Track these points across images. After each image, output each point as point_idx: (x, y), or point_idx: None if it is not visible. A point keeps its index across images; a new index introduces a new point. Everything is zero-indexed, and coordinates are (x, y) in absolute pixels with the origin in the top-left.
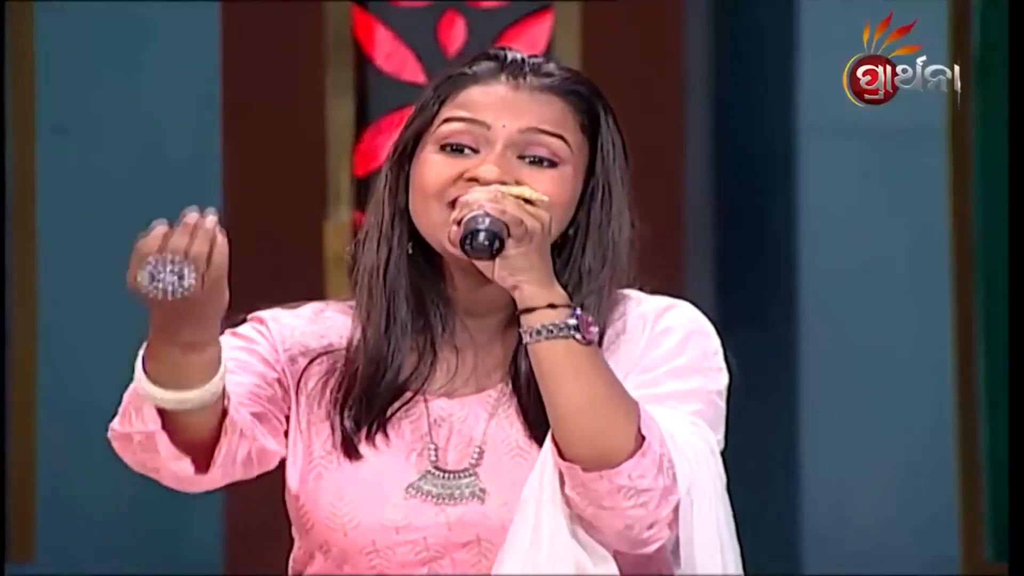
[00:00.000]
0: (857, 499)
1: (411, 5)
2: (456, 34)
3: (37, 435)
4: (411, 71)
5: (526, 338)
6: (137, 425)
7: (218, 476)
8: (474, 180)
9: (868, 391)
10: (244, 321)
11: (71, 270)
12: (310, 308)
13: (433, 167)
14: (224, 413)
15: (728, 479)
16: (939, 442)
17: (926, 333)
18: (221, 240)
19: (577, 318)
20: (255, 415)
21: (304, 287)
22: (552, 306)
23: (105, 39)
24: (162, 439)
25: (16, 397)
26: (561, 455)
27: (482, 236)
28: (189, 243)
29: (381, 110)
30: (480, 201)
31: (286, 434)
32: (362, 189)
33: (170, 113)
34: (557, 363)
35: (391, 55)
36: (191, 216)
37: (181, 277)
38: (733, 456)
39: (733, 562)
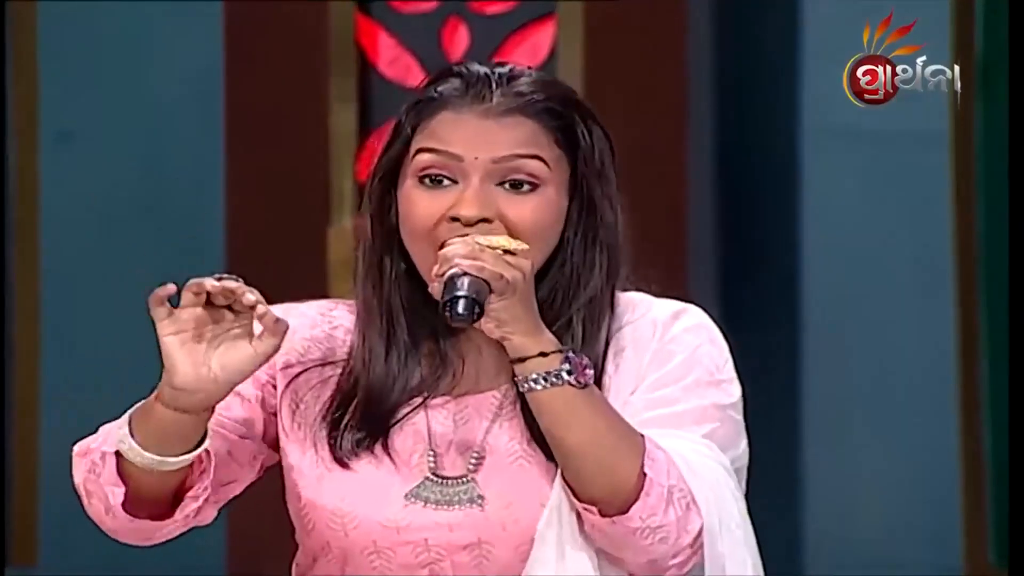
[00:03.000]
0: (860, 505)
1: (414, 11)
2: (459, 40)
3: (40, 439)
4: (414, 77)
5: (522, 387)
6: (101, 444)
7: (142, 536)
8: (456, 220)
9: (871, 396)
10: None
11: (74, 274)
12: (317, 307)
13: (417, 205)
14: (181, 487)
15: None
16: (942, 447)
17: (929, 338)
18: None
19: (570, 361)
20: (228, 451)
21: (307, 293)
22: (543, 354)
23: (108, 44)
24: (110, 462)
25: (19, 400)
26: (576, 497)
27: (461, 306)
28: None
29: (384, 116)
30: (458, 259)
31: (271, 446)
32: None
33: (173, 119)
34: (556, 411)
35: (394, 61)
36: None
37: None
38: None
39: None
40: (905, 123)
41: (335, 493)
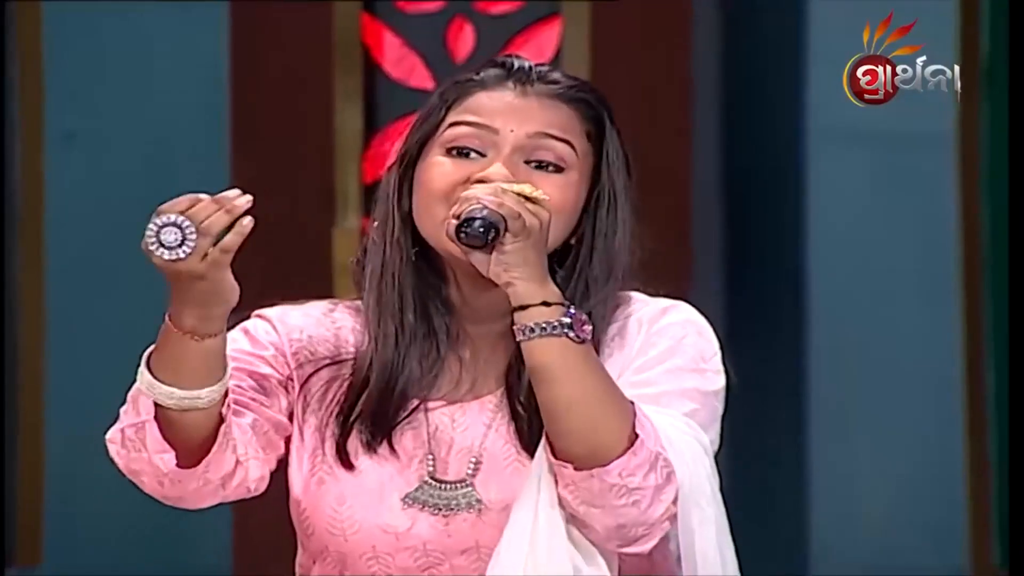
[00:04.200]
0: (865, 505)
1: (419, 11)
2: (464, 40)
3: (45, 439)
4: (419, 77)
5: (519, 336)
6: (131, 417)
7: (206, 490)
8: (481, 181)
9: (876, 397)
10: (248, 318)
11: (79, 276)
12: (319, 307)
13: (439, 169)
14: (221, 420)
15: (735, 487)
16: (947, 448)
17: (935, 338)
18: (246, 223)
19: (571, 316)
20: (252, 426)
21: (312, 294)
22: (546, 304)
23: (113, 46)
24: (152, 429)
25: (24, 401)
26: (554, 453)
27: (477, 223)
28: (208, 214)
29: (389, 116)
30: (479, 195)
31: (287, 440)
32: (370, 196)
33: (178, 120)
34: (550, 361)
35: (399, 61)
36: (231, 193)
37: (181, 242)
38: (740, 463)
39: (731, 562)
40: (910, 124)
41: (334, 497)
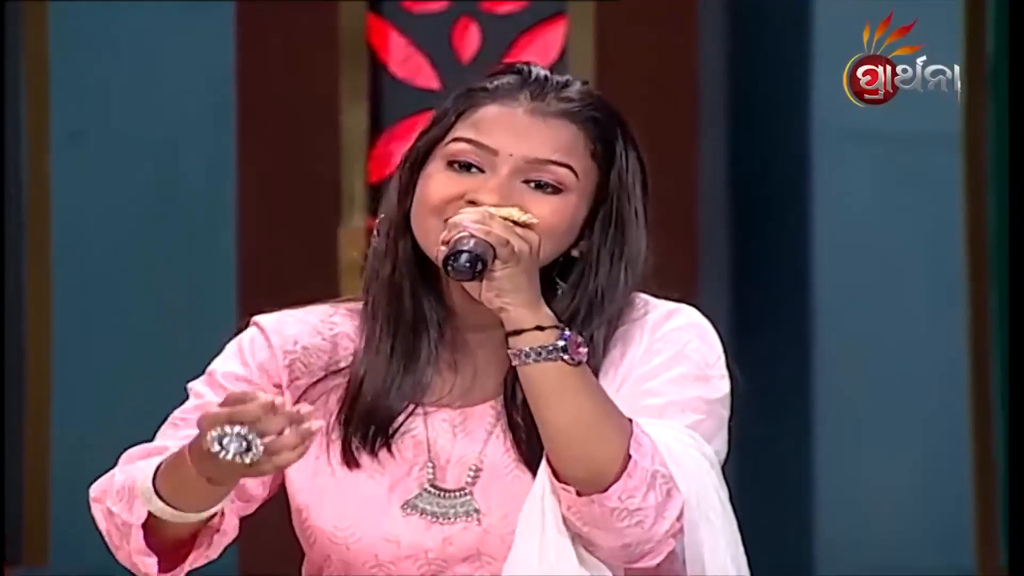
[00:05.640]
0: (871, 507)
1: (425, 11)
2: (470, 40)
3: (52, 440)
4: (425, 77)
5: (514, 360)
6: (123, 513)
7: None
8: (473, 203)
9: (882, 397)
10: (247, 326)
11: (86, 276)
12: (317, 314)
13: (437, 183)
14: (212, 528)
15: (741, 487)
16: (954, 450)
17: (941, 339)
18: (314, 429)
19: (565, 339)
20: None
21: (318, 294)
22: (540, 328)
23: (119, 44)
24: (137, 534)
25: (31, 402)
26: (556, 477)
27: (464, 258)
28: (277, 427)
29: (395, 116)
30: (465, 223)
31: None
32: (376, 195)
33: (184, 119)
34: (547, 385)
35: (405, 61)
36: (305, 410)
37: (248, 448)
38: (747, 464)
39: (745, 574)
40: (917, 124)
41: (336, 506)
